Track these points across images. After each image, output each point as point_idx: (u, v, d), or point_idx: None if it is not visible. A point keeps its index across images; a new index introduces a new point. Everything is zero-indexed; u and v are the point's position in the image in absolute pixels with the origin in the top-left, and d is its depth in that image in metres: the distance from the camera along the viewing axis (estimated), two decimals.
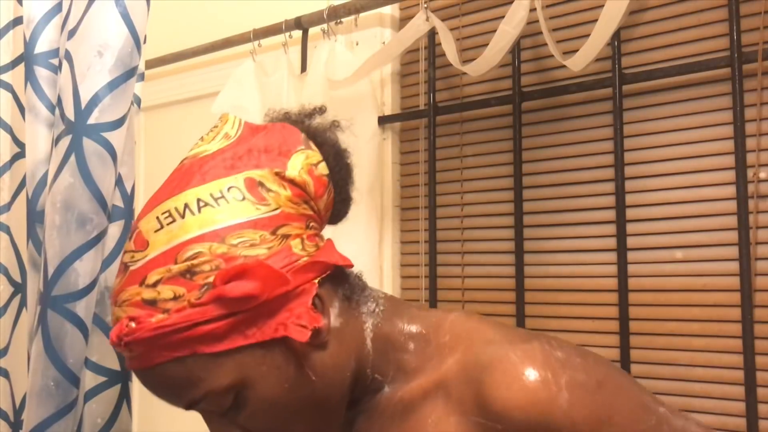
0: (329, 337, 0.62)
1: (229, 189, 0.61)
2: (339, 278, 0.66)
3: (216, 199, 0.60)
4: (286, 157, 0.65)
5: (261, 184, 0.62)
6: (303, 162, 0.65)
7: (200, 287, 0.57)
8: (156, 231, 0.60)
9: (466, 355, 0.61)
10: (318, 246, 0.64)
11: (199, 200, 0.60)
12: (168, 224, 0.60)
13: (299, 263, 0.61)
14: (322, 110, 0.74)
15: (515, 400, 0.55)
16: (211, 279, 0.57)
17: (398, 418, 0.64)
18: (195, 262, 0.57)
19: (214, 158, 0.65)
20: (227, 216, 0.60)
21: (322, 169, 0.66)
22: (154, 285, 0.57)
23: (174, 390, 0.60)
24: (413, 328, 0.66)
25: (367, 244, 1.43)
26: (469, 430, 0.58)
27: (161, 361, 0.58)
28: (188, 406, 0.61)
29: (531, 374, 0.55)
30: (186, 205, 0.60)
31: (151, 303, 0.57)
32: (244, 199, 0.61)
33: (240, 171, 0.63)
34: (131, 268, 0.59)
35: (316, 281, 0.61)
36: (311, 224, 0.65)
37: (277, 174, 0.63)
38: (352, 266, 0.67)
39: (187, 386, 0.59)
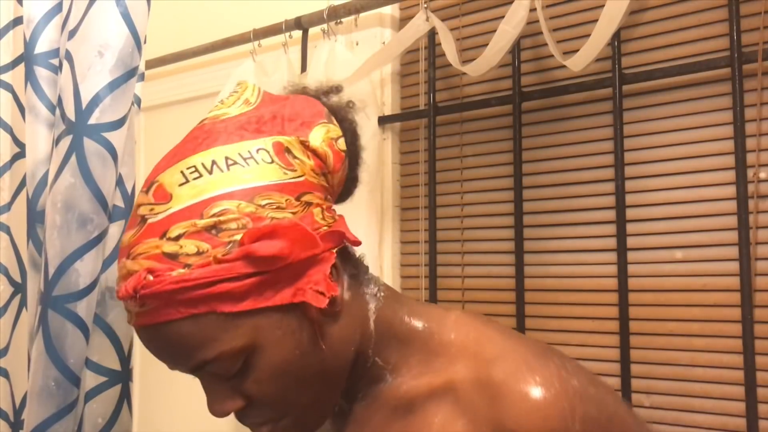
0: (340, 309, 0.62)
1: (257, 151, 0.61)
2: (346, 255, 0.66)
3: (245, 159, 0.60)
4: (309, 128, 0.65)
5: (288, 150, 0.63)
6: (324, 135, 0.65)
7: (225, 244, 0.56)
8: (180, 185, 0.58)
9: (479, 366, 0.60)
10: (334, 218, 0.65)
11: (227, 158, 0.60)
12: (194, 179, 0.58)
13: (320, 231, 0.61)
14: (339, 89, 0.74)
15: (532, 428, 0.55)
16: (236, 237, 0.56)
17: (401, 412, 0.63)
18: (222, 218, 0.57)
19: (239, 120, 0.65)
20: (256, 177, 0.59)
21: (341, 144, 0.67)
22: (177, 239, 0.56)
23: (184, 350, 0.58)
24: (416, 322, 0.66)
25: (367, 244, 1.43)
26: None
27: (176, 317, 0.56)
28: (194, 369, 0.59)
29: (549, 404, 0.56)
30: (213, 162, 0.59)
31: (172, 257, 0.56)
32: (272, 162, 0.61)
33: (268, 135, 0.63)
34: (150, 220, 0.58)
35: (334, 251, 0.62)
36: (327, 197, 0.66)
37: (302, 142, 0.64)
38: (360, 244, 0.67)
39: (199, 346, 0.57)
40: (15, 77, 0.93)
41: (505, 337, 0.64)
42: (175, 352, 0.59)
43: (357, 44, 1.49)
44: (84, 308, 0.75)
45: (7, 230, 0.93)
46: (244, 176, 0.59)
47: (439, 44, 1.31)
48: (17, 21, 0.93)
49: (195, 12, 1.81)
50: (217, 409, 0.62)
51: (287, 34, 1.51)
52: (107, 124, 0.76)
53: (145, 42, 0.83)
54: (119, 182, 0.80)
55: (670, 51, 1.17)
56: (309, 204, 0.62)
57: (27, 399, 0.76)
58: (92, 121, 0.75)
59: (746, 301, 1.04)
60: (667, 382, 1.14)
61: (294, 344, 0.59)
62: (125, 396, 0.82)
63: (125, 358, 0.81)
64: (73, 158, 0.75)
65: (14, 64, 0.93)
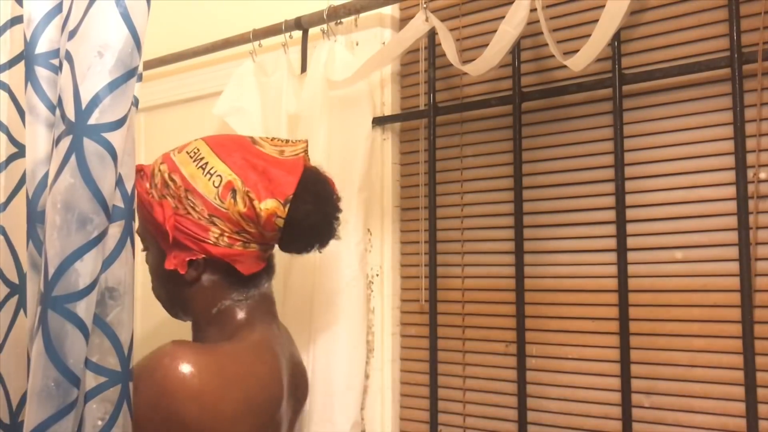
0: (192, 280, 0.97)
1: (217, 174, 0.93)
2: (225, 267, 0.95)
3: (209, 171, 0.94)
4: (270, 197, 0.92)
5: (234, 191, 0.92)
6: (272, 209, 0.92)
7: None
8: (179, 152, 0.99)
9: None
10: (232, 246, 0.93)
11: (201, 157, 0.95)
12: (189, 152, 0.98)
13: (205, 241, 0.93)
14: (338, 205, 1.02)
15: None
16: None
17: None
18: (165, 175, 0.97)
19: (251, 152, 0.96)
20: (201, 183, 0.93)
21: (279, 222, 0.93)
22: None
23: None
24: (229, 328, 0.98)
25: (368, 243, 1.44)
26: None
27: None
28: None
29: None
30: (198, 150, 0.97)
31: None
32: (217, 186, 0.93)
33: (237, 174, 0.93)
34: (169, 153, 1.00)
35: (201, 255, 0.94)
36: (243, 235, 0.93)
37: (250, 198, 0.91)
38: (246, 274, 0.96)
39: None
40: (12, 77, 0.92)
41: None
42: None
43: (357, 44, 1.49)
44: (84, 308, 0.75)
45: (3, 231, 0.92)
46: (198, 177, 0.94)
47: (439, 44, 1.31)
48: (15, 20, 0.92)
49: (195, 12, 1.81)
50: None
51: (287, 34, 1.51)
52: (107, 125, 0.76)
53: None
54: (119, 182, 0.80)
55: (670, 51, 1.17)
56: (212, 223, 0.92)
57: (27, 400, 0.76)
58: (92, 121, 0.75)
59: (746, 302, 1.04)
60: (667, 383, 1.14)
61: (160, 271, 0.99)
62: (125, 396, 0.81)
63: (125, 359, 0.81)
64: (73, 158, 0.75)
65: (11, 63, 0.93)
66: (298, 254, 1.02)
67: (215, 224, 0.92)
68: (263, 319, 0.99)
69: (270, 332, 0.99)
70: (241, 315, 0.97)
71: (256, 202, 0.91)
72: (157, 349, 0.87)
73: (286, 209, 0.92)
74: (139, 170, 0.94)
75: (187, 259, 0.94)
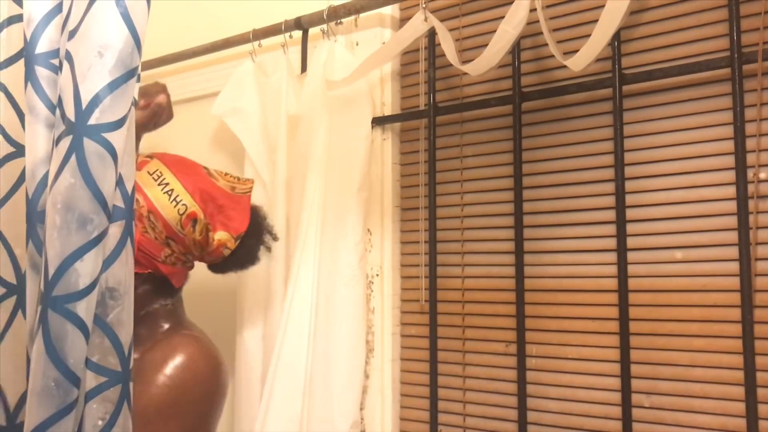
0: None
1: (183, 203, 1.01)
2: (161, 279, 1.04)
3: (174, 198, 1.01)
4: (224, 229, 1.05)
5: (195, 221, 1.02)
6: (223, 240, 1.05)
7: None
8: (137, 168, 0.98)
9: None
10: (176, 264, 1.04)
11: (166, 182, 1.02)
12: (150, 173, 1.03)
13: (158, 258, 1.01)
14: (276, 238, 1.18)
15: None
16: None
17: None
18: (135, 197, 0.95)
19: (208, 183, 1.05)
20: (166, 209, 1.00)
21: (226, 252, 1.06)
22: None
23: None
24: (160, 327, 1.07)
25: (368, 243, 1.43)
26: None
27: None
28: None
29: None
30: (161, 174, 1.02)
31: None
32: (181, 214, 1.01)
33: (199, 205, 1.02)
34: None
35: (144, 266, 1.01)
36: (188, 256, 1.05)
37: (208, 228, 1.03)
38: (175, 287, 1.07)
39: None
40: (9, 76, 0.92)
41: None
42: None
43: (357, 44, 1.49)
44: (84, 308, 0.75)
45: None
46: (161, 198, 1.01)
47: (439, 44, 1.31)
48: (12, 20, 0.92)
49: (195, 12, 1.81)
50: None
51: (287, 34, 1.51)
52: (107, 125, 0.76)
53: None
54: (119, 182, 0.80)
55: (670, 51, 1.17)
56: (167, 245, 1.02)
57: (27, 400, 0.76)
58: (92, 121, 0.75)
59: (746, 302, 1.04)
60: (667, 383, 1.14)
61: None
62: (125, 396, 0.81)
63: (125, 359, 0.81)
64: (73, 158, 0.74)
65: (8, 63, 0.92)
66: (218, 274, 1.15)
67: (169, 246, 1.02)
68: (186, 318, 1.11)
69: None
70: (169, 316, 1.08)
71: (211, 233, 1.04)
72: (179, 342, 1.01)
73: (236, 243, 1.06)
74: None
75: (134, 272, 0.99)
